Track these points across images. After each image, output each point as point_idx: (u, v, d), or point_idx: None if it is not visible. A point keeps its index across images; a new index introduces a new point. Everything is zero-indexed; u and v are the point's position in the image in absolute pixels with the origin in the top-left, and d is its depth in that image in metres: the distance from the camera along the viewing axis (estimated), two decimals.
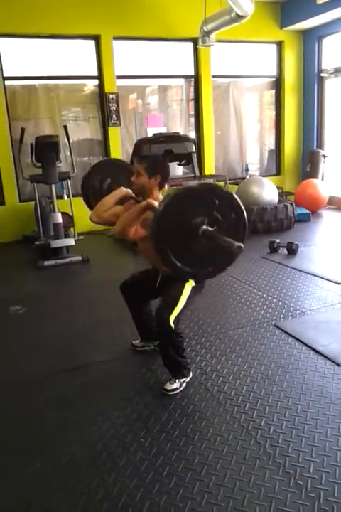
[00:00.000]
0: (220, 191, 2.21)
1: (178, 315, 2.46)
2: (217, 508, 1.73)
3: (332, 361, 2.74)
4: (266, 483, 1.83)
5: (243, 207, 2.16)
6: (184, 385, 2.57)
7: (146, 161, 2.57)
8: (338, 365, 2.70)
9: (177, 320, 2.46)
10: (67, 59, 6.71)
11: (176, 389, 2.53)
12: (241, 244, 1.92)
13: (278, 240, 5.33)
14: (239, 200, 2.15)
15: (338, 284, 4.02)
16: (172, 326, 2.41)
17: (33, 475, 1.99)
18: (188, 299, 2.51)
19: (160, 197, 2.51)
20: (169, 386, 2.53)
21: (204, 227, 2.05)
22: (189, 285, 2.51)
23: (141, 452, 2.07)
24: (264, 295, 3.94)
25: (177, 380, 2.55)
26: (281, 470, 1.90)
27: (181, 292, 2.48)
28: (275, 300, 3.82)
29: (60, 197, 5.86)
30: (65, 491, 1.87)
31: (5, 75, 6.33)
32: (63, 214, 5.64)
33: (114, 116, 6.95)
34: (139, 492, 1.83)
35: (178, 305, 2.46)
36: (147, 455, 2.05)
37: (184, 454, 2.04)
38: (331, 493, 1.76)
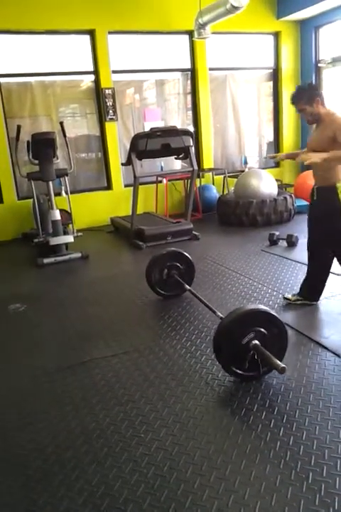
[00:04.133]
0: (266, 313, 2.50)
1: None
2: (218, 503, 1.72)
3: (333, 353, 2.73)
4: (267, 476, 1.83)
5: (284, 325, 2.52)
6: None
7: (299, 98, 3.01)
8: (339, 356, 2.69)
9: None
10: (62, 55, 6.67)
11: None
12: (285, 367, 2.23)
13: (277, 233, 5.31)
14: (280, 320, 2.49)
15: (338, 275, 4.01)
16: None
17: (36, 470, 1.99)
18: None
19: (325, 110, 3.07)
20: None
21: (255, 342, 2.40)
22: None
23: (142, 447, 2.07)
24: (264, 288, 3.93)
25: None
26: (282, 463, 1.89)
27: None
28: (275, 292, 3.80)
29: (58, 194, 5.85)
30: (68, 487, 1.87)
31: (0, 72, 6.29)
32: (61, 211, 5.63)
33: (110, 111, 6.92)
34: (140, 488, 1.83)
35: None
36: (147, 450, 2.05)
37: (184, 448, 2.04)
38: (332, 485, 1.76)
